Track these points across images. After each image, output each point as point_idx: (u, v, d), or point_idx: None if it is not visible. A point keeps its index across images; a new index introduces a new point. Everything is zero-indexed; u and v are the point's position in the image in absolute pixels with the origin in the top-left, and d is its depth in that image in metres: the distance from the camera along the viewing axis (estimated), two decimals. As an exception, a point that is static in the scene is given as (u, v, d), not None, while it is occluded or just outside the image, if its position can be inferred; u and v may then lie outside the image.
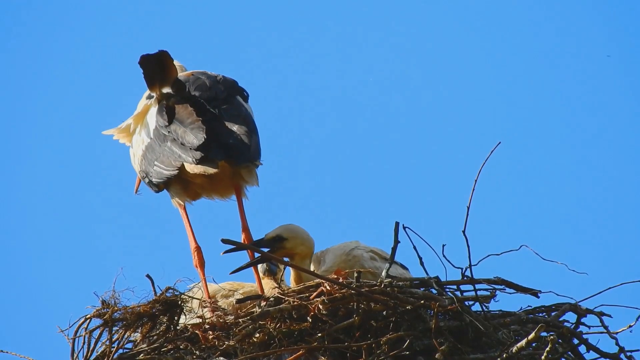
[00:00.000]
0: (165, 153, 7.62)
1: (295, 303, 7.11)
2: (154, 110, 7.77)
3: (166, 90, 7.70)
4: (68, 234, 11.87)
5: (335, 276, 7.26)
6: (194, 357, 7.22)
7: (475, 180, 7.10)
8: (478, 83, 13.97)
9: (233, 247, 7.58)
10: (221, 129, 7.53)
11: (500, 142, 7.11)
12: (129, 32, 14.19)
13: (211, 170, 7.47)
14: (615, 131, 13.12)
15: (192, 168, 7.52)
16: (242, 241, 7.76)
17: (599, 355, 7.24)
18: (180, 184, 7.83)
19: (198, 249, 7.82)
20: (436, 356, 6.96)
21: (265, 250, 7.89)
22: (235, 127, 7.57)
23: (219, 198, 7.96)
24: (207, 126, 7.46)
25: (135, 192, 8.20)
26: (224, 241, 7.34)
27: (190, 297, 7.42)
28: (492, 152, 7.09)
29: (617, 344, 7.21)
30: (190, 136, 7.49)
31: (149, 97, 7.89)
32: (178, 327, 7.33)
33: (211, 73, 7.91)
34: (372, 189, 12.27)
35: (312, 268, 7.93)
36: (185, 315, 7.37)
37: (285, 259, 7.91)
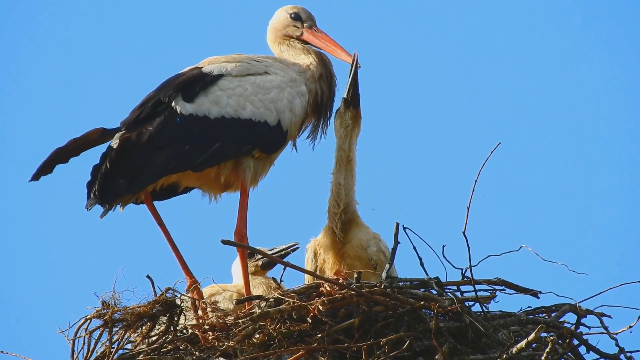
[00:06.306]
0: None
1: (295, 304, 7.12)
2: None
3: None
4: (68, 234, 11.86)
5: (335, 277, 7.26)
6: (194, 357, 7.22)
7: (475, 181, 7.10)
8: (478, 83, 13.98)
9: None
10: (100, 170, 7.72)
11: (500, 143, 7.11)
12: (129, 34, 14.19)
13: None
14: (614, 132, 13.12)
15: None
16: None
17: (599, 356, 7.23)
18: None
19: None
20: (436, 357, 6.96)
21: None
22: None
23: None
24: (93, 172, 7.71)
25: None
26: (224, 242, 7.33)
27: (190, 297, 7.41)
28: (492, 152, 7.10)
29: (617, 344, 7.21)
30: None
31: None
32: (178, 328, 7.34)
33: (170, 78, 7.91)
34: (371, 189, 12.25)
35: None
36: (185, 316, 7.37)
37: (285, 260, 7.92)
